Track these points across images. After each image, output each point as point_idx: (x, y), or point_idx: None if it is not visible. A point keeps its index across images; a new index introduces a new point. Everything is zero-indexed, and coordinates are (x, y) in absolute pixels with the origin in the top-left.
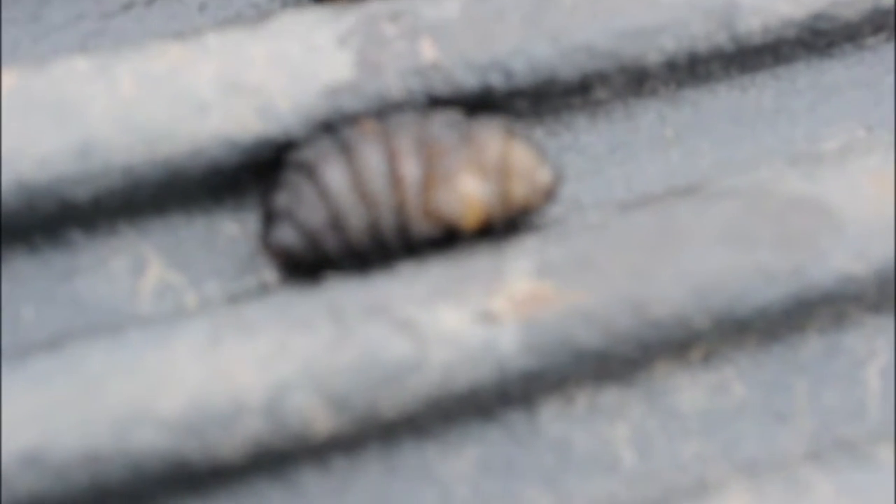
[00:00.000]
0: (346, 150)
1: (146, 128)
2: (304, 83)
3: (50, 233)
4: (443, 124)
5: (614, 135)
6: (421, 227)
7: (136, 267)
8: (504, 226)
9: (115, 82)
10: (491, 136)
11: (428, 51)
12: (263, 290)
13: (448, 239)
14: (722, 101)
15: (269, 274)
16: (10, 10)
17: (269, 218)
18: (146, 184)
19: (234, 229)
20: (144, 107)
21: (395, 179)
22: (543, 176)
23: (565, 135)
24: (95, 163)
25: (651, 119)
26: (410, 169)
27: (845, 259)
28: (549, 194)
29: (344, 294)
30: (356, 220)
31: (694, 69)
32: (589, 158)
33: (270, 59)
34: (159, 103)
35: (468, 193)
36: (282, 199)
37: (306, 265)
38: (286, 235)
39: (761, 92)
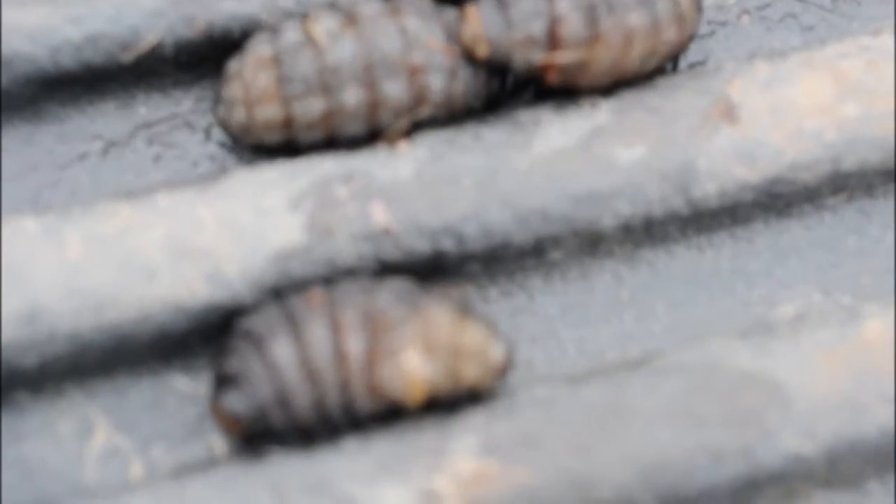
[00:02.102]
0: (294, 324)
1: (93, 293)
2: (254, 248)
3: None
4: (391, 296)
5: (569, 296)
6: (365, 403)
7: (84, 430)
8: (451, 399)
9: (62, 245)
10: (441, 313)
11: (379, 214)
12: (209, 460)
13: (394, 413)
14: (679, 261)
15: (216, 439)
16: None
17: (219, 384)
18: (93, 349)
19: (182, 391)
20: (92, 271)
21: (339, 355)
22: (495, 356)
23: (519, 295)
24: (42, 329)
25: (607, 280)
26: (355, 345)
27: (794, 438)
28: (501, 373)
29: (287, 470)
30: (302, 397)
31: (650, 231)
32: (543, 320)
33: (221, 221)
34: (107, 268)
35: (412, 371)
36: (230, 366)
37: (253, 433)
38: (235, 403)
39: (718, 252)
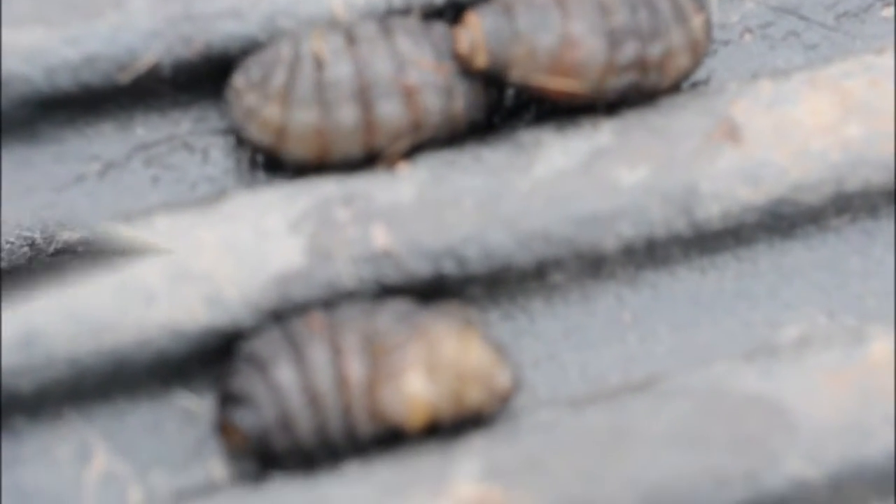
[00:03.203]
0: (295, 349)
1: (92, 317)
2: (254, 271)
3: None
4: (392, 317)
5: (570, 318)
6: (366, 427)
7: (82, 455)
8: (453, 422)
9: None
10: (445, 332)
11: (380, 237)
12: (209, 486)
13: (395, 437)
14: (681, 282)
15: (216, 464)
16: None
17: (224, 402)
18: (92, 374)
19: (181, 415)
20: (90, 296)
21: (341, 380)
22: (502, 381)
23: (521, 318)
24: (39, 354)
25: (609, 302)
26: (356, 369)
27: (798, 463)
28: (507, 399)
29: (288, 495)
30: (304, 421)
31: (652, 253)
32: (544, 343)
33: (220, 244)
34: (106, 291)
35: (414, 394)
36: (236, 387)
37: (255, 457)
38: (244, 419)
39: (722, 274)
